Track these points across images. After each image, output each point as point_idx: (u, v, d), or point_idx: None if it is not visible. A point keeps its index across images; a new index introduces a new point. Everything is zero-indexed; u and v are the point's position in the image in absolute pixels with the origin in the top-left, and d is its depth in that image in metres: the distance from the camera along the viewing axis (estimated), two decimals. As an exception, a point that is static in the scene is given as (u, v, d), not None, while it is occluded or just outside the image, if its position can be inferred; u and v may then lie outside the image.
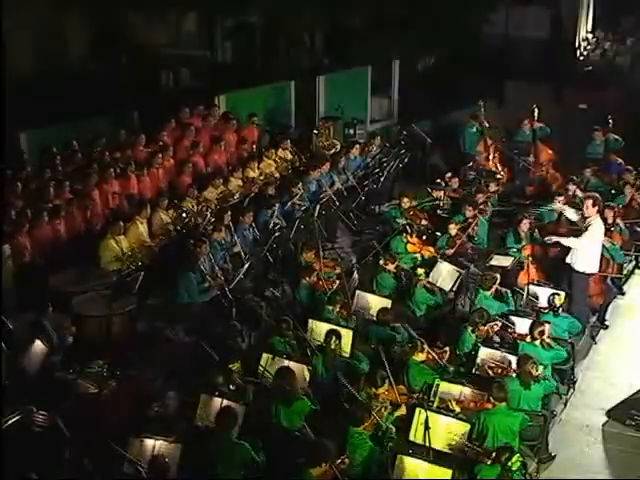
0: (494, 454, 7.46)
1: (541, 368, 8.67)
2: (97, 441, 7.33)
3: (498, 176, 14.86)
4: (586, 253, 10.67)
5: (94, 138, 13.04)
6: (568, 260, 10.77)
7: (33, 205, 11.03)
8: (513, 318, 9.87)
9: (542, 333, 9.27)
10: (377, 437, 7.67)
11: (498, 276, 10.50)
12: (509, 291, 10.73)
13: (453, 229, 11.92)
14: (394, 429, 7.78)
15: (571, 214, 11.12)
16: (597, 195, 11.08)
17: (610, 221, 11.76)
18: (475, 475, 7.45)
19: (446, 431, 7.75)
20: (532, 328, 9.36)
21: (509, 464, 7.25)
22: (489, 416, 7.98)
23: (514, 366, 8.83)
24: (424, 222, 12.44)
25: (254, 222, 11.88)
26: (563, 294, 10.21)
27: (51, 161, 12.23)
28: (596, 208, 10.70)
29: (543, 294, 10.33)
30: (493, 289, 10.39)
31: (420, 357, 8.87)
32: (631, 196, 13.08)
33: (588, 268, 10.74)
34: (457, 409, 8.12)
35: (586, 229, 10.62)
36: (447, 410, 8.04)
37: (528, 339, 9.34)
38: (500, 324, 9.63)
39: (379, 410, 7.87)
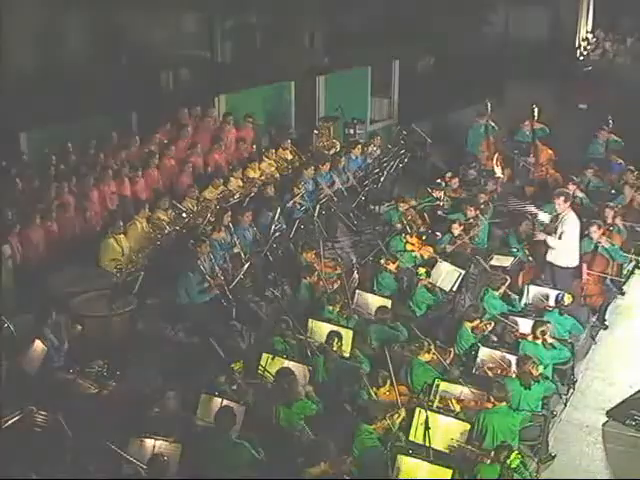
0: (492, 453, 7.46)
1: (541, 368, 8.68)
2: (97, 441, 7.33)
3: (499, 176, 14.85)
4: (565, 248, 10.75)
5: (91, 139, 13.03)
6: (548, 258, 10.83)
7: (33, 205, 11.02)
8: (515, 318, 9.87)
9: (544, 332, 9.28)
10: (385, 439, 7.67)
11: (508, 278, 10.52)
12: (517, 297, 10.75)
13: (456, 229, 11.92)
14: (404, 438, 7.79)
15: (543, 216, 11.13)
16: (567, 191, 11.35)
17: (610, 221, 11.81)
18: (476, 475, 7.44)
19: (446, 431, 7.76)
20: (534, 327, 9.37)
21: (508, 462, 7.25)
22: (489, 415, 7.99)
23: (514, 366, 8.83)
24: (422, 227, 12.46)
25: (254, 222, 11.88)
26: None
27: (48, 162, 12.22)
28: (567, 203, 10.85)
29: (545, 293, 10.32)
30: (502, 290, 10.41)
31: (426, 357, 8.87)
32: (631, 196, 13.09)
33: (570, 262, 10.84)
34: (457, 408, 8.13)
35: (560, 225, 10.73)
36: (447, 409, 8.06)
37: (530, 338, 9.35)
38: (494, 324, 9.63)
39: (392, 416, 7.85)
